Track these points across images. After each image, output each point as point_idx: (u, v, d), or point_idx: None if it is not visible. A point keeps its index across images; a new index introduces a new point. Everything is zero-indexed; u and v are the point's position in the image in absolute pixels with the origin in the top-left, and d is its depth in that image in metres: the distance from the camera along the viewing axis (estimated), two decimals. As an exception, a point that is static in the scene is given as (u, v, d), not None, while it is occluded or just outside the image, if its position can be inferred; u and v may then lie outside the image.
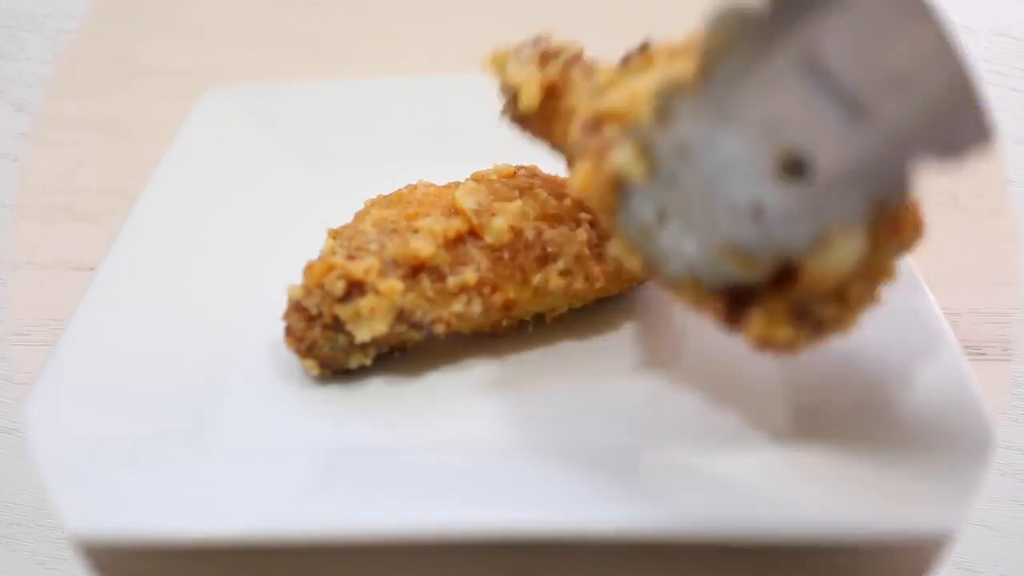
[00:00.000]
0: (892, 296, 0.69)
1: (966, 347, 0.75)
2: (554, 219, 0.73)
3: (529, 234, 0.72)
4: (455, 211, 0.72)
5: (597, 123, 0.59)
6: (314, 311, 0.68)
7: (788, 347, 0.57)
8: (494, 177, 0.76)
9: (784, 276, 0.56)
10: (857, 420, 0.63)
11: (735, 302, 0.57)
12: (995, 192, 1.03)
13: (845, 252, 0.53)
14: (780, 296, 0.56)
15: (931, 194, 1.01)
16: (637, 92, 0.57)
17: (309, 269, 0.68)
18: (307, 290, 0.68)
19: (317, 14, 1.55)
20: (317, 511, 0.56)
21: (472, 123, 0.92)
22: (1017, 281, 0.88)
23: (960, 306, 0.84)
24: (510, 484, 0.59)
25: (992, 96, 1.27)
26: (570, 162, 0.69)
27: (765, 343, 0.57)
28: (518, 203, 0.72)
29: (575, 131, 0.61)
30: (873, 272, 0.56)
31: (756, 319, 0.56)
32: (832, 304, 0.56)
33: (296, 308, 0.68)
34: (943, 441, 0.59)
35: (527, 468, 0.61)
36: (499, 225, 0.71)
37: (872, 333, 0.68)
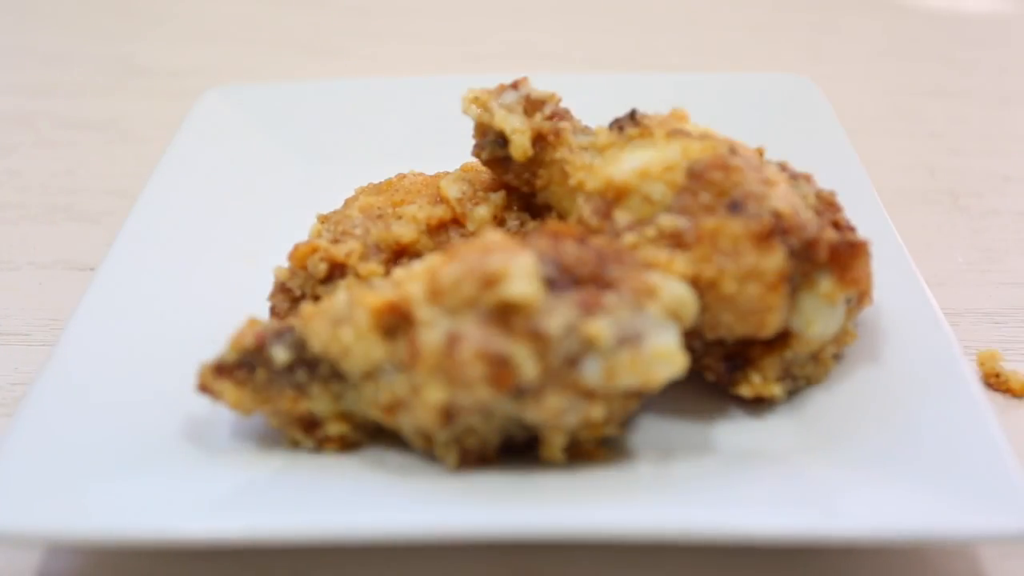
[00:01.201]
0: (893, 298, 0.70)
1: (966, 347, 0.75)
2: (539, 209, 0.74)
3: (512, 224, 0.72)
4: (440, 199, 0.73)
5: (608, 204, 0.64)
6: (297, 292, 0.69)
7: (774, 400, 0.65)
8: (482, 168, 0.76)
9: (774, 341, 0.64)
10: (857, 421, 0.63)
11: (732, 365, 0.65)
12: (995, 192, 1.04)
13: (830, 324, 0.64)
14: (771, 358, 0.64)
15: (931, 194, 1.02)
16: (647, 170, 0.64)
17: (295, 251, 0.69)
18: (292, 271, 0.69)
19: (317, 14, 1.55)
20: (316, 512, 0.56)
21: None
22: (1017, 281, 0.88)
23: (960, 306, 0.84)
24: (509, 484, 0.59)
25: (991, 93, 1.27)
26: (559, 213, 0.71)
27: (758, 398, 0.65)
28: (502, 193, 0.73)
29: (583, 207, 0.66)
30: (840, 336, 0.66)
31: (753, 380, 0.64)
32: (810, 364, 0.65)
33: (281, 288, 0.69)
34: (944, 444, 0.59)
35: (525, 468, 0.60)
36: (482, 214, 0.72)
37: (873, 336, 0.68)
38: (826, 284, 0.62)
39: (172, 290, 0.76)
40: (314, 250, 0.69)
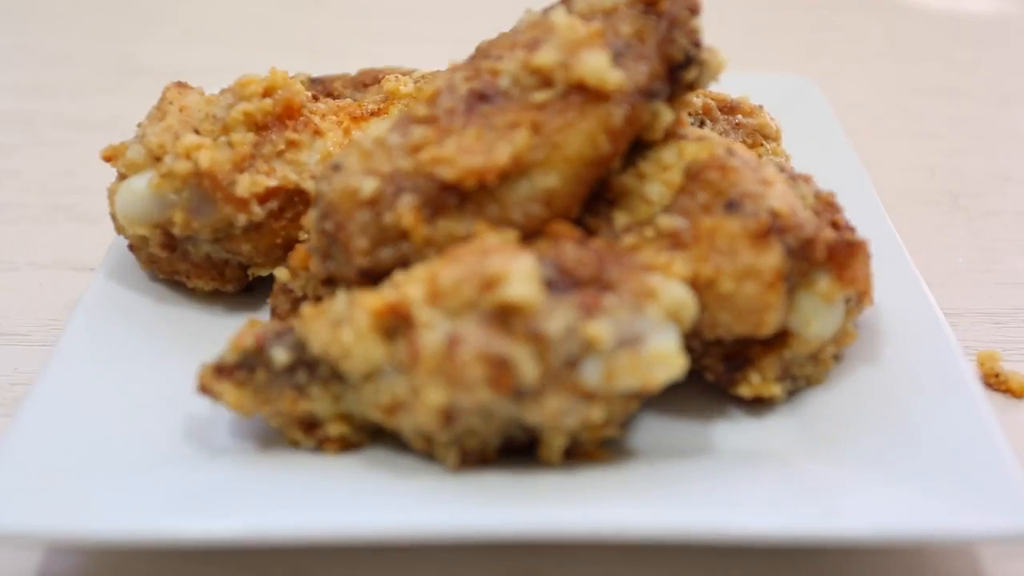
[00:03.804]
0: (893, 298, 0.70)
1: (966, 347, 0.75)
2: None
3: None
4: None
5: None
6: (299, 293, 0.68)
7: (774, 400, 0.65)
8: None
9: (773, 341, 0.64)
10: (857, 421, 0.63)
11: (731, 365, 0.64)
12: (995, 192, 1.04)
13: (828, 323, 0.63)
14: (770, 358, 0.64)
15: (931, 194, 1.02)
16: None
17: (295, 252, 0.69)
18: (293, 272, 0.68)
19: (317, 14, 1.55)
20: (316, 512, 0.56)
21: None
22: (1017, 281, 0.88)
23: (960, 306, 0.84)
24: (509, 484, 0.59)
25: (991, 93, 1.27)
26: None
27: (758, 399, 0.65)
28: None
29: None
30: (840, 336, 0.65)
31: (752, 380, 0.64)
32: (809, 364, 0.65)
33: (282, 290, 0.69)
34: (944, 444, 0.59)
35: (525, 468, 0.60)
36: None
37: (873, 336, 0.68)
38: (824, 283, 0.62)
39: (172, 290, 0.76)
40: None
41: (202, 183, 0.70)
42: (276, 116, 0.73)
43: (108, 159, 0.75)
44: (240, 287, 0.76)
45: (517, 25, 0.67)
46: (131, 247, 0.75)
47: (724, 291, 0.60)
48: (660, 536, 0.54)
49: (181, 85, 0.78)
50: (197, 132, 0.73)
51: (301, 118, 0.74)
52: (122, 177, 0.73)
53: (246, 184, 0.70)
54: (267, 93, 0.74)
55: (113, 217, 0.74)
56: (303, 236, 0.71)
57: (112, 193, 0.73)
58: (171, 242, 0.73)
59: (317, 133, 0.74)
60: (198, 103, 0.75)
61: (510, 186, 0.61)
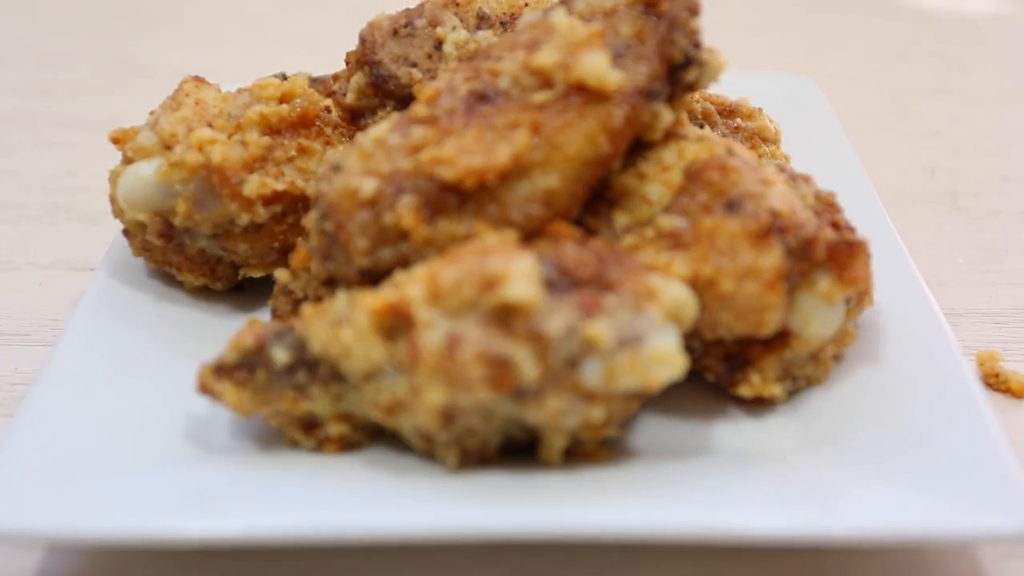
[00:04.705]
0: (893, 298, 0.70)
1: (966, 347, 0.75)
2: None
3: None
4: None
5: None
6: (300, 294, 0.68)
7: (774, 400, 0.66)
8: None
9: (773, 341, 0.64)
10: (857, 421, 0.63)
11: (732, 365, 0.65)
12: (995, 192, 1.04)
13: (828, 323, 0.64)
14: (770, 358, 0.64)
15: (931, 194, 1.02)
16: None
17: (296, 253, 0.69)
18: (293, 273, 0.68)
19: (317, 14, 1.55)
20: (316, 512, 0.56)
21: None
22: (1017, 281, 0.88)
23: (960, 306, 0.84)
24: (509, 484, 0.59)
25: (991, 93, 1.27)
26: None
27: (758, 399, 0.65)
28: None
29: None
30: (840, 336, 0.66)
31: (752, 380, 0.64)
32: (809, 364, 0.65)
33: (283, 291, 0.69)
34: (944, 444, 0.59)
35: (525, 468, 0.60)
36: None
37: (873, 336, 0.68)
38: (824, 283, 0.62)
39: (172, 290, 0.76)
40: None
41: (211, 177, 0.71)
42: (291, 123, 0.74)
43: (116, 141, 0.75)
44: (228, 286, 0.77)
45: (517, 26, 0.67)
46: (125, 232, 0.75)
47: (724, 291, 0.60)
48: (660, 536, 0.54)
49: (199, 79, 0.79)
50: (211, 127, 0.73)
51: (314, 127, 0.75)
52: (127, 160, 0.73)
53: (255, 184, 0.70)
54: (284, 99, 0.75)
55: (112, 200, 0.74)
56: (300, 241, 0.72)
57: (115, 176, 0.73)
58: (169, 232, 0.73)
59: (328, 144, 0.75)
60: (214, 99, 0.76)
61: (510, 186, 0.61)
